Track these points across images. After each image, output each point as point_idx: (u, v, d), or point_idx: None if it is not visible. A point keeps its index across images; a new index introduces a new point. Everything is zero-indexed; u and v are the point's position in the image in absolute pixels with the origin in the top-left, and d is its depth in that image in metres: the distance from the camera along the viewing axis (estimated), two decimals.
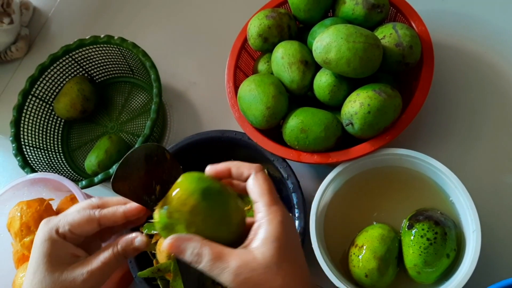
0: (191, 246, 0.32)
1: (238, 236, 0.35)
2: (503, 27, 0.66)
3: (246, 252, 0.33)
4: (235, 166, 0.37)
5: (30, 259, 0.37)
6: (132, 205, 0.38)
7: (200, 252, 0.32)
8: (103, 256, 0.36)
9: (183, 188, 0.34)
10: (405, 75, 0.61)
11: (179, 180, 0.35)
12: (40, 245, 0.36)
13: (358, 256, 0.51)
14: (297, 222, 0.55)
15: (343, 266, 0.55)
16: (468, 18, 0.68)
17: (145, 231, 0.61)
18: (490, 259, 0.53)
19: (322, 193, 0.55)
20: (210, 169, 0.37)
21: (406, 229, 0.51)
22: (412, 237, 0.50)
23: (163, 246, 0.33)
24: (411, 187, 0.56)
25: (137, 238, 0.37)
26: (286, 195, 0.60)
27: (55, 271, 0.35)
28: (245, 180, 0.36)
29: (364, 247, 0.51)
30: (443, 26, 0.68)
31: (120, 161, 0.35)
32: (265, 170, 0.61)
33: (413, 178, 0.56)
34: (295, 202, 0.56)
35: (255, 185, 0.35)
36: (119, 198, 0.38)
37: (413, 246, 0.50)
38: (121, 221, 0.37)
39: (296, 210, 0.56)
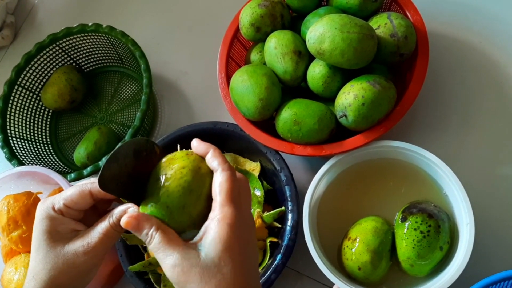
0: (147, 226, 0.34)
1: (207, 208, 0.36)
2: (500, 17, 0.65)
3: (191, 247, 0.34)
4: (212, 155, 0.37)
5: (32, 239, 0.38)
6: None
7: (152, 234, 0.34)
8: (101, 227, 0.37)
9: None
10: (400, 66, 0.60)
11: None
12: (39, 224, 0.37)
13: (351, 249, 0.51)
14: (290, 215, 0.55)
15: (336, 259, 0.54)
16: (464, 7, 0.67)
17: None
18: (484, 252, 0.53)
19: (316, 186, 0.54)
20: (193, 144, 0.38)
21: (400, 222, 0.51)
22: (405, 230, 0.50)
23: (122, 222, 0.34)
24: (405, 180, 0.56)
25: (129, 208, 0.37)
26: (279, 187, 0.59)
27: (56, 246, 0.36)
28: (213, 169, 0.37)
29: (357, 239, 0.51)
30: (438, 15, 0.67)
31: (107, 158, 0.34)
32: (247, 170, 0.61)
33: (406, 170, 0.55)
34: (288, 195, 0.56)
35: (217, 182, 0.35)
36: None
37: (406, 239, 0.50)
38: None
39: (289, 203, 0.55)
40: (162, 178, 0.35)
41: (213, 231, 0.33)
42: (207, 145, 0.37)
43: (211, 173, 0.36)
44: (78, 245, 0.36)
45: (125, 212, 0.37)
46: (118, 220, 0.36)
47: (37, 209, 0.38)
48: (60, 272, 0.36)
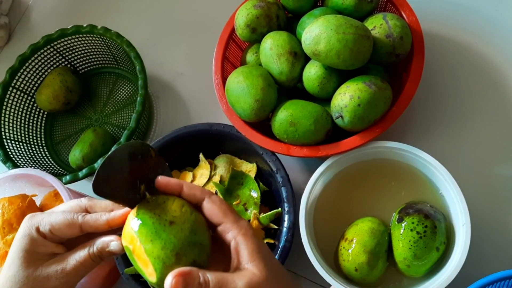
0: (195, 277, 0.32)
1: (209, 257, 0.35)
2: (495, 17, 0.66)
3: (244, 271, 0.33)
4: (188, 186, 0.36)
5: (8, 253, 0.37)
6: (116, 213, 0.37)
7: (205, 280, 0.32)
8: (79, 255, 0.36)
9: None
10: (395, 66, 0.60)
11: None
12: (19, 240, 0.36)
13: (348, 250, 0.51)
14: (286, 217, 0.55)
15: (333, 260, 0.54)
16: (460, 8, 0.67)
17: None
18: (480, 252, 0.53)
19: (312, 187, 0.54)
20: (162, 181, 0.36)
21: (396, 223, 0.51)
22: (402, 231, 0.50)
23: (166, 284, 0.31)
24: (401, 180, 0.56)
25: (112, 242, 0.36)
26: (276, 188, 0.59)
27: (29, 267, 0.35)
28: (197, 201, 0.36)
29: (354, 240, 0.51)
30: (434, 15, 0.67)
31: (102, 162, 0.33)
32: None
33: (403, 171, 0.55)
34: (284, 196, 0.56)
35: (215, 207, 0.35)
36: (107, 202, 0.38)
37: (402, 239, 0.50)
38: (103, 229, 0.37)
39: (286, 204, 0.55)
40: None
41: (246, 247, 0.34)
42: (177, 181, 0.36)
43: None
44: (51, 269, 0.35)
45: (107, 245, 0.36)
46: (98, 250, 0.36)
47: (22, 223, 0.37)
48: None
